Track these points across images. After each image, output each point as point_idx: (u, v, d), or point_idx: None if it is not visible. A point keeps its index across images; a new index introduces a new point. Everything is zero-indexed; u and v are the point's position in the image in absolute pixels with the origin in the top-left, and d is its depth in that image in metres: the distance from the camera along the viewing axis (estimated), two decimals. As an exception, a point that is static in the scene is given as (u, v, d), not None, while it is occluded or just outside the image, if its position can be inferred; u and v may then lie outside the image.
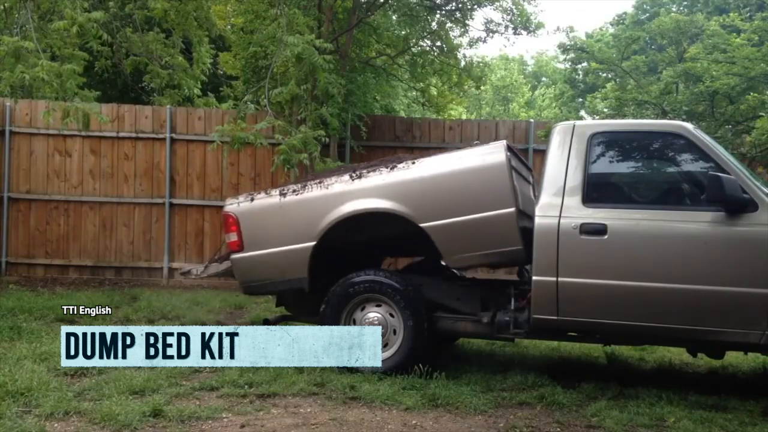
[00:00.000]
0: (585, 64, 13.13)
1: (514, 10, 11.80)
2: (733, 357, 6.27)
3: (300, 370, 5.25)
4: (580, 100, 26.54)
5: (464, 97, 17.64)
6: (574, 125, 5.22)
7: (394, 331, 5.31)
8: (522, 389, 5.04)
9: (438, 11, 11.89)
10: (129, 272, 10.43)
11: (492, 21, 11.96)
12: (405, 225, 5.35)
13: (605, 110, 12.71)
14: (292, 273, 5.49)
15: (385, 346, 5.25)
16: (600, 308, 4.88)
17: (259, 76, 9.75)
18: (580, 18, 56.19)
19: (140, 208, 10.49)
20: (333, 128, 8.90)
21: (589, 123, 5.43)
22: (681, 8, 25.31)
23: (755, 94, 8.64)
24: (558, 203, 4.98)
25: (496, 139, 10.52)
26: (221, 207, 10.32)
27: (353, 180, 5.49)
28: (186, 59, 10.63)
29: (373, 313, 5.35)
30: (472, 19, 12.00)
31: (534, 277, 4.96)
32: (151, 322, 7.23)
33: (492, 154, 5.25)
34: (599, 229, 4.83)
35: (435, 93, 13.84)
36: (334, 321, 5.32)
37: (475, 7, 11.71)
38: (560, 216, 4.93)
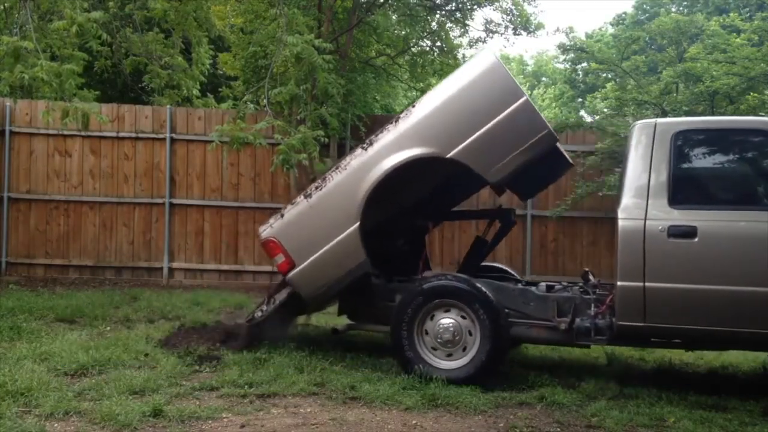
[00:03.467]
0: (585, 64, 13.13)
1: (514, 11, 11.80)
2: (733, 357, 6.28)
3: (300, 370, 5.26)
4: (580, 100, 26.52)
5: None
6: (655, 123, 5.07)
7: (466, 345, 5.13)
8: (522, 389, 5.04)
9: (438, 11, 11.89)
10: (129, 272, 10.44)
11: (492, 21, 11.97)
12: (434, 166, 5.33)
13: (605, 110, 12.70)
14: (351, 261, 5.38)
15: (452, 354, 5.14)
16: (690, 314, 4.72)
17: (259, 76, 9.76)
18: (580, 18, 56.18)
19: (140, 208, 10.49)
20: (332, 128, 8.90)
21: (672, 121, 5.26)
22: (681, 8, 25.30)
23: (755, 94, 8.64)
24: (642, 205, 4.85)
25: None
26: (221, 207, 10.43)
27: (366, 149, 5.46)
28: (185, 59, 10.62)
29: (448, 320, 5.18)
30: (472, 19, 12.02)
31: (619, 283, 4.82)
32: (151, 321, 7.23)
33: (482, 60, 5.30)
34: (689, 232, 4.69)
35: (435, 93, 13.83)
36: (407, 328, 5.18)
37: (475, 7, 11.71)
38: (646, 218, 4.81)
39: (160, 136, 10.47)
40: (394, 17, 11.72)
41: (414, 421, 4.26)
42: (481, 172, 5.22)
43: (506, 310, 5.24)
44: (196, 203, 10.51)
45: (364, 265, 5.39)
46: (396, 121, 5.49)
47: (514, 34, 11.97)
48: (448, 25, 12.16)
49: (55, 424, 4.02)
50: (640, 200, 4.88)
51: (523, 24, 11.80)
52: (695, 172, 5.13)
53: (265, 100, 7.77)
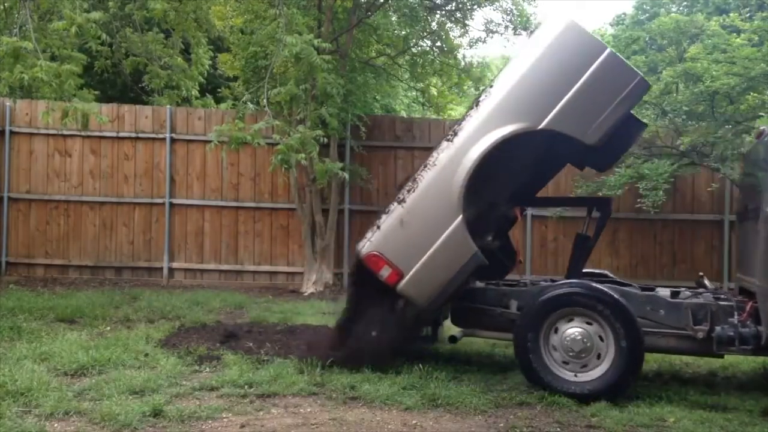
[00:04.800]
0: (585, 64, 13.13)
1: (514, 11, 11.78)
2: (733, 357, 6.26)
3: (300, 370, 5.25)
4: (580, 100, 26.46)
5: (464, 97, 17.62)
6: None
7: (599, 355, 4.89)
8: (522, 389, 5.04)
9: (438, 11, 11.88)
10: (129, 272, 10.44)
11: (492, 21, 11.94)
12: (525, 142, 5.16)
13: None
14: (462, 258, 5.12)
15: (584, 366, 4.91)
16: None
17: (259, 76, 9.76)
18: (579, 18, 56.14)
19: (140, 208, 10.49)
20: (332, 128, 8.89)
21: None
22: (681, 8, 25.26)
23: (755, 94, 8.63)
24: None
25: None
26: (221, 207, 10.43)
27: (452, 140, 5.29)
28: (185, 60, 10.62)
29: (576, 330, 4.92)
30: (472, 19, 11.98)
31: None
32: (151, 321, 7.23)
33: (555, 23, 5.13)
34: None
35: (435, 93, 13.84)
36: (533, 337, 4.93)
37: (475, 7, 11.69)
38: None
39: (160, 136, 10.47)
40: (394, 17, 11.71)
41: (414, 421, 4.26)
42: (578, 135, 5.06)
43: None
44: (196, 203, 10.51)
45: (477, 259, 5.14)
46: (476, 105, 5.30)
47: (514, 34, 11.95)
48: (448, 25, 12.14)
49: (55, 424, 4.02)
50: None
51: (523, 24, 11.78)
52: None
53: (264, 101, 7.75)
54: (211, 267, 10.45)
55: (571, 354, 4.93)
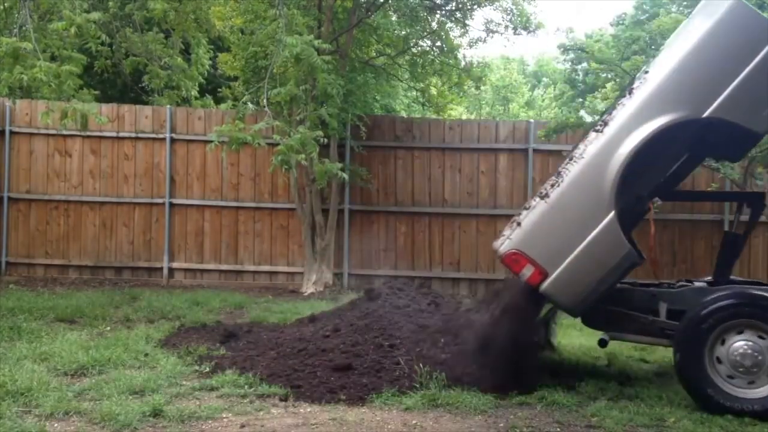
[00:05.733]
0: (585, 64, 13.11)
1: (514, 11, 11.78)
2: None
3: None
4: (580, 100, 26.50)
5: (464, 97, 17.60)
6: None
7: None
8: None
9: (438, 11, 11.88)
10: (129, 272, 10.44)
11: (492, 21, 11.93)
12: (682, 132, 4.89)
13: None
14: (614, 257, 4.83)
15: (751, 383, 4.58)
16: None
17: (259, 76, 9.76)
18: (579, 18, 56.18)
19: (140, 208, 10.49)
20: (332, 128, 8.90)
21: None
22: (681, 8, 25.26)
23: (755, 94, 8.63)
24: None
25: (497, 140, 10.54)
26: (221, 207, 10.44)
27: (602, 131, 4.97)
28: (185, 60, 10.62)
29: (745, 343, 4.58)
30: (472, 19, 11.97)
31: None
32: (151, 321, 7.24)
33: (719, 4, 4.81)
34: None
35: (435, 93, 13.83)
36: (696, 350, 4.63)
37: (475, 7, 11.69)
38: None
39: (160, 136, 10.48)
40: (394, 17, 11.71)
41: (414, 421, 4.27)
42: (748, 124, 4.78)
43: None
44: (196, 203, 10.51)
45: (630, 257, 4.88)
46: (630, 93, 5.03)
47: (514, 33, 11.95)
48: (448, 25, 12.13)
49: (55, 424, 4.03)
50: None
51: (523, 24, 11.77)
52: None
53: (264, 101, 7.76)
54: (211, 267, 10.46)
55: (742, 370, 4.60)
